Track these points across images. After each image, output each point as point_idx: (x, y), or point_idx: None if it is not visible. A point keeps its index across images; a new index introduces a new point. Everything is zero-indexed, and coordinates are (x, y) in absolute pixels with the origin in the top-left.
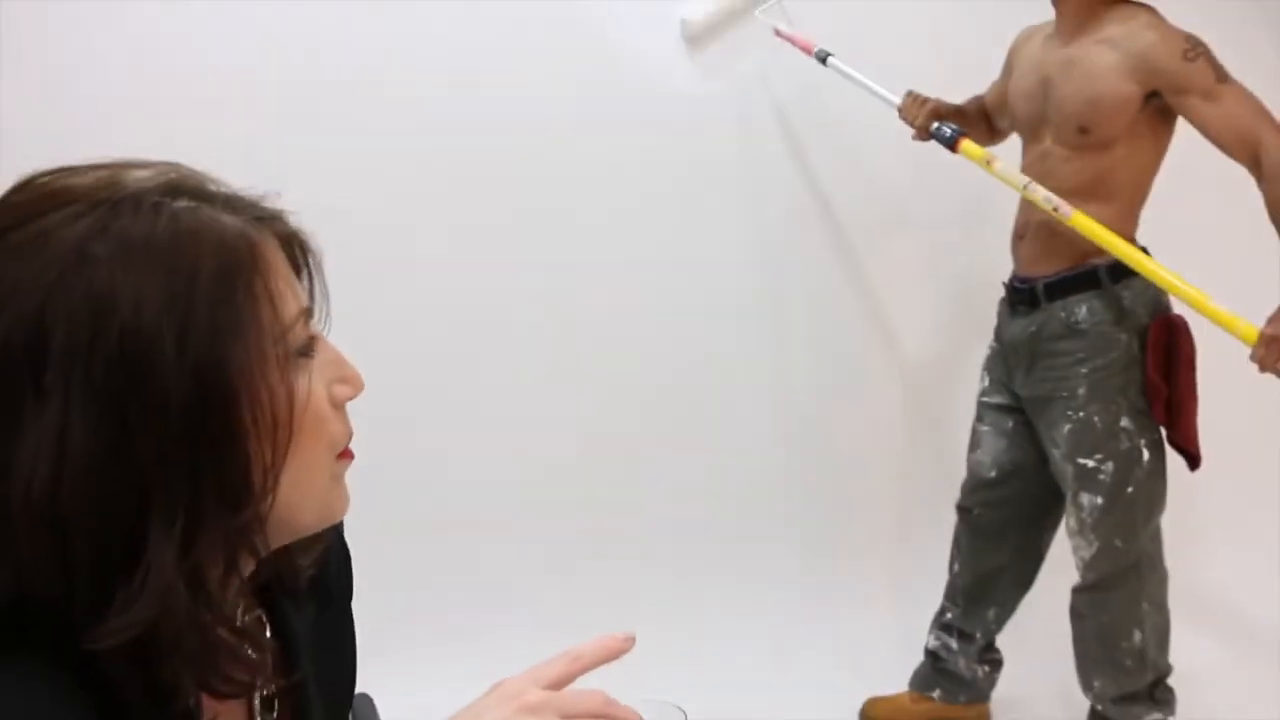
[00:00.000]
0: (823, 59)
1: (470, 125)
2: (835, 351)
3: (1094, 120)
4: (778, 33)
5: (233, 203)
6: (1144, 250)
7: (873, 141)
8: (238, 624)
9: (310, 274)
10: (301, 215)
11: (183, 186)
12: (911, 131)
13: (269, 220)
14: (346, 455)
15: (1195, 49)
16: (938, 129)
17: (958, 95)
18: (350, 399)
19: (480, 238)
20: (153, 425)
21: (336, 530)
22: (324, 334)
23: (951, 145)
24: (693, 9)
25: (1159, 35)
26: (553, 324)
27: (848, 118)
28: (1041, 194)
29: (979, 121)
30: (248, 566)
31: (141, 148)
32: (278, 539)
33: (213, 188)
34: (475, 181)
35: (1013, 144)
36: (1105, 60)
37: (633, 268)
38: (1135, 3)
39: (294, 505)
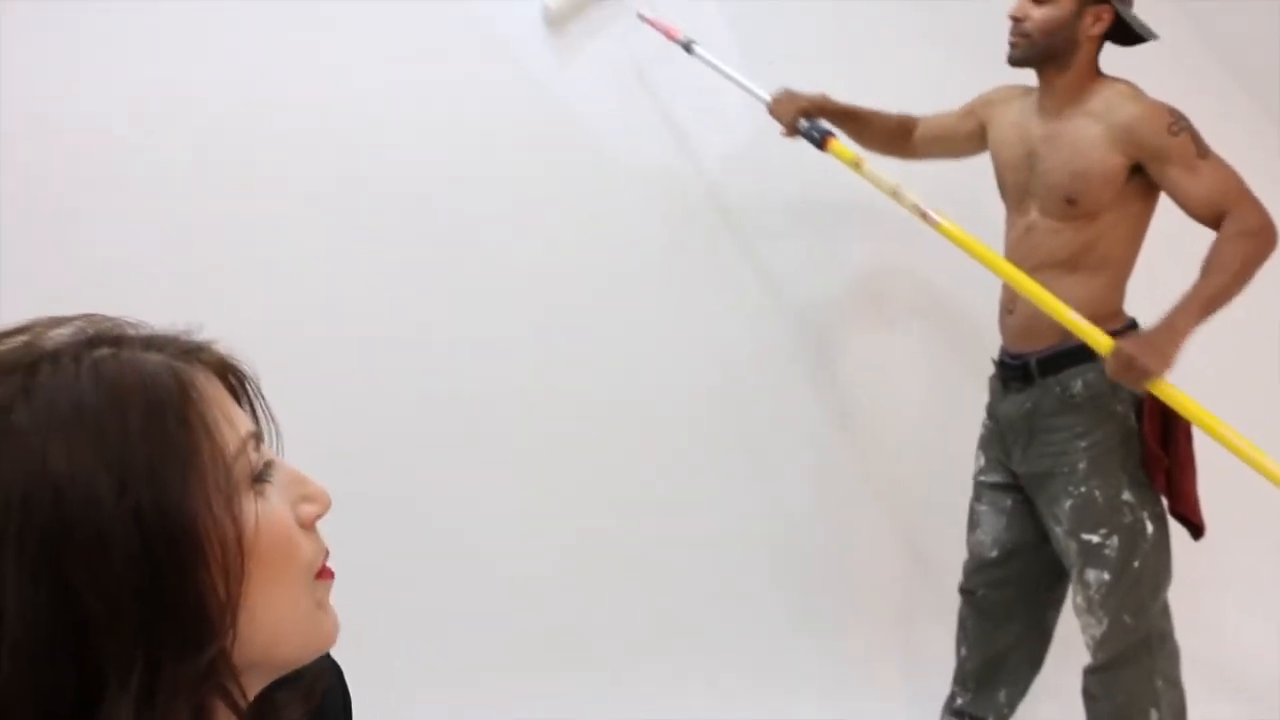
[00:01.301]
0: (687, 47)
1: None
2: (829, 440)
3: (1081, 192)
4: (641, 17)
5: (153, 342)
6: (1133, 322)
7: (852, 226)
8: None
9: (250, 398)
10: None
11: (100, 337)
12: (781, 130)
13: (195, 352)
14: (325, 575)
15: (1179, 123)
16: (807, 129)
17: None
18: (318, 517)
19: (452, 330)
20: (96, 581)
21: (336, 672)
22: (278, 454)
23: (820, 144)
24: None
25: (1143, 108)
26: (534, 421)
27: (829, 208)
28: (910, 200)
29: (887, 133)
30: (222, 714)
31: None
32: (264, 678)
33: (131, 331)
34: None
35: (991, 206)
36: (1090, 133)
37: (614, 360)
38: (1114, 77)
39: (275, 637)
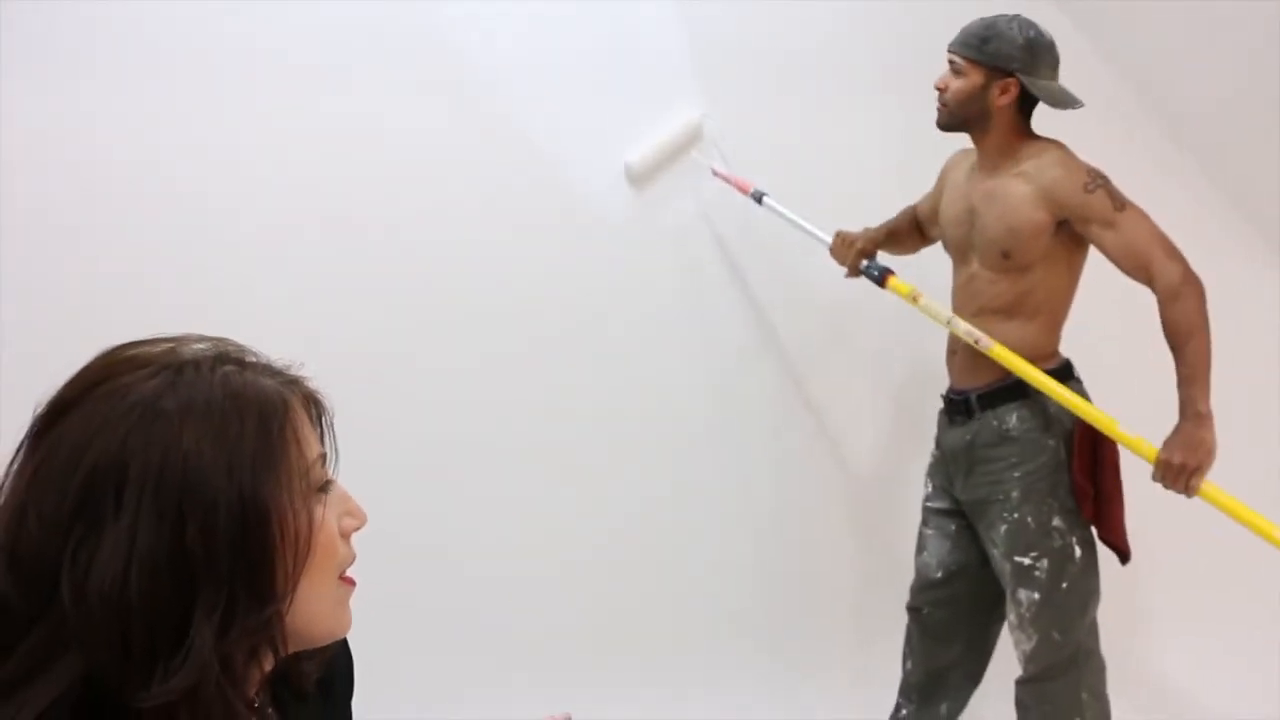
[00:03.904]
0: (758, 199)
1: (428, 260)
2: (788, 466)
3: (1014, 246)
4: (715, 173)
5: (268, 370)
6: (1068, 363)
7: (811, 269)
8: (254, 705)
9: (324, 428)
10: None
11: (228, 355)
12: (844, 270)
13: (295, 383)
14: (348, 581)
15: (1095, 181)
16: (866, 268)
17: (889, 209)
18: (356, 530)
19: (445, 372)
20: (204, 535)
21: (342, 640)
22: (335, 476)
23: (880, 282)
24: (635, 151)
25: (1064, 170)
26: (520, 456)
27: (784, 247)
28: (963, 328)
29: (912, 232)
30: (267, 661)
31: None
32: (294, 646)
33: (251, 358)
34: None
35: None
36: (1020, 192)
37: (601, 399)
38: (1046, 139)
39: (309, 619)
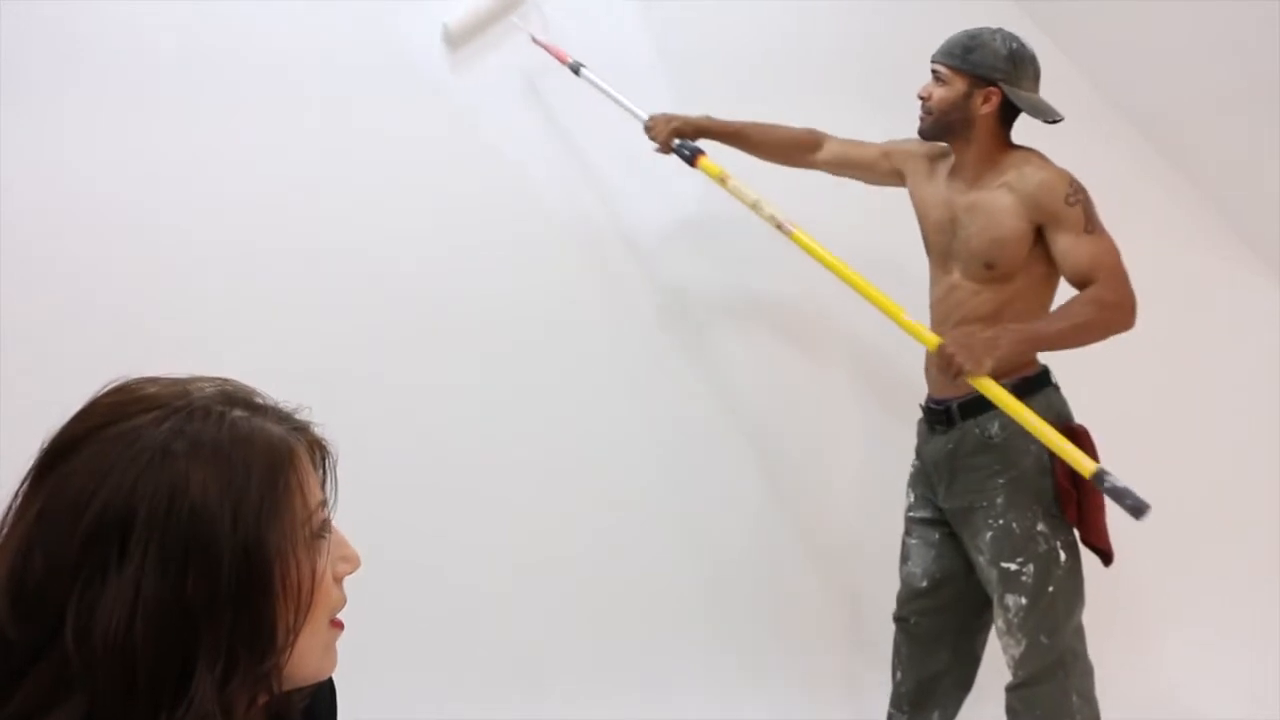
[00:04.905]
0: (575, 69)
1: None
2: (774, 479)
3: (998, 257)
4: (534, 40)
5: (276, 414)
6: (1046, 370)
7: (796, 281)
8: None
9: (326, 473)
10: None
11: (236, 398)
12: (655, 145)
13: (302, 429)
14: (337, 625)
15: (1076, 195)
16: (678, 146)
17: (869, 210)
18: (349, 574)
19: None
20: (208, 584)
21: None
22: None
23: (690, 161)
24: (453, 13)
25: (1046, 176)
26: (504, 463)
27: (772, 261)
28: (768, 213)
29: (784, 144)
30: (263, 702)
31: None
32: (284, 686)
33: (259, 400)
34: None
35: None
36: (1005, 202)
37: (584, 411)
38: (1027, 149)
39: (298, 663)
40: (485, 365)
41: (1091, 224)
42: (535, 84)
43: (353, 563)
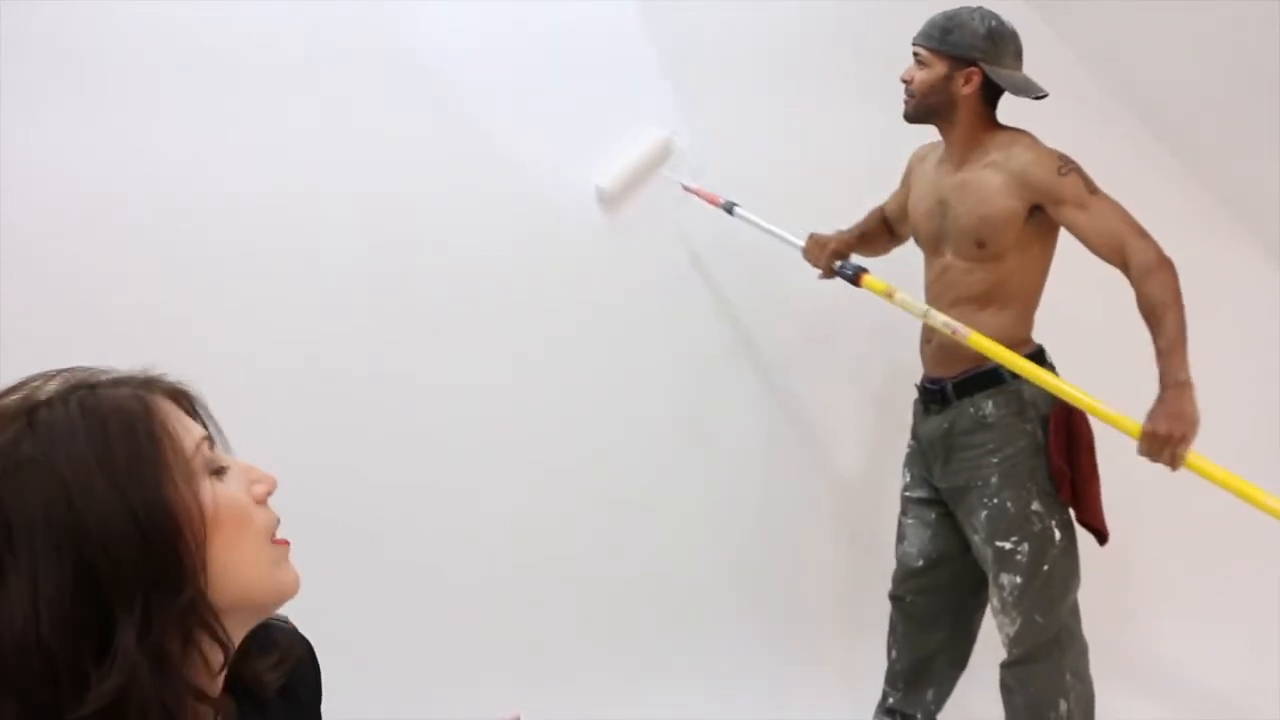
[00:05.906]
0: (729, 209)
1: (413, 271)
2: (769, 463)
3: (988, 235)
4: (685, 188)
5: (119, 380)
6: (1041, 348)
7: (787, 269)
8: (209, 697)
9: (198, 412)
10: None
11: (79, 383)
12: (818, 272)
13: (151, 383)
14: (281, 542)
15: (1067, 165)
16: (840, 268)
17: (860, 210)
18: (268, 493)
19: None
20: (103, 548)
21: (307, 647)
22: (230, 453)
23: (855, 281)
24: (606, 175)
25: (1035, 155)
26: (506, 451)
27: (762, 250)
28: (940, 320)
29: (882, 232)
30: (213, 650)
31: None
32: (247, 620)
33: (102, 375)
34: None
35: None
36: (992, 182)
37: (584, 399)
38: (1013, 129)
39: (244, 587)
40: (485, 365)
41: (1091, 186)
42: (545, 88)
43: (265, 482)
